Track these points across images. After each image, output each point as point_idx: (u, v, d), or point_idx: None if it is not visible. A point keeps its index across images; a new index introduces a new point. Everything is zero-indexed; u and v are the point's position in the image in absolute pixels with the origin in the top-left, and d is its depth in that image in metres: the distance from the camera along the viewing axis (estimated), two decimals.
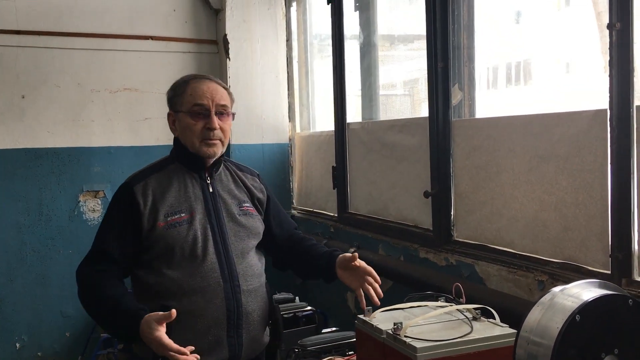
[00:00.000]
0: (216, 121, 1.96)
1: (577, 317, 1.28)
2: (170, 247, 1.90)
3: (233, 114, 2.04)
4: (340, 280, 2.04)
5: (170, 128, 2.05)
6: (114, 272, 1.91)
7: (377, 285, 1.93)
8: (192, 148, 1.98)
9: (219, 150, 2.01)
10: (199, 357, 1.72)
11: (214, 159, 2.03)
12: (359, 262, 1.95)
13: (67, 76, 3.98)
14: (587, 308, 1.29)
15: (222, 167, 2.09)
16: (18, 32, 3.85)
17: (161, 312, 1.73)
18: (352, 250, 3.17)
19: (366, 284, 1.93)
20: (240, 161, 2.49)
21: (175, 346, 1.69)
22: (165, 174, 2.00)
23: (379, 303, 1.90)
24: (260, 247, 2.13)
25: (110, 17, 4.06)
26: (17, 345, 3.93)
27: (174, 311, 1.70)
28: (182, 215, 1.93)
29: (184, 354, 1.68)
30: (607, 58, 2.00)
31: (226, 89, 2.04)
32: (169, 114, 2.04)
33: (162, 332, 1.71)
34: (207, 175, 2.03)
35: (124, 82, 4.12)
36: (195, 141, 1.96)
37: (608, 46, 1.99)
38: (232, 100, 2.05)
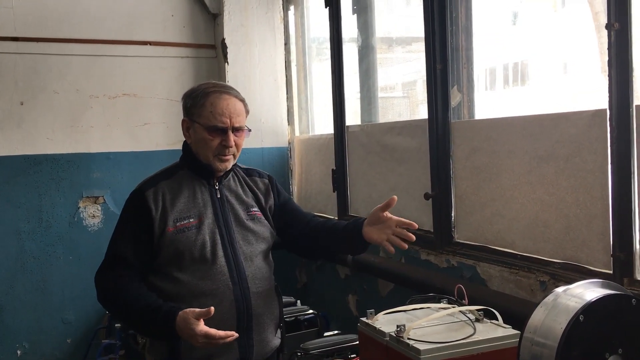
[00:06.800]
0: (232, 139, 1.98)
1: (581, 317, 1.28)
2: (180, 252, 1.94)
3: (249, 130, 2.05)
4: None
5: (184, 134, 2.07)
6: (133, 276, 1.94)
7: (405, 231, 1.92)
8: (205, 160, 2.01)
9: (231, 164, 2.05)
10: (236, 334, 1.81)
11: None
12: (389, 215, 1.95)
13: (66, 82, 3.98)
14: (590, 308, 1.29)
15: (230, 174, 2.11)
16: (16, 39, 3.84)
17: (198, 309, 1.79)
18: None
19: (393, 234, 1.94)
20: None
21: (223, 332, 1.78)
22: (175, 181, 2.03)
23: (406, 247, 1.95)
24: (275, 249, 2.15)
25: (109, 23, 4.06)
26: (19, 352, 3.92)
27: (212, 308, 1.76)
28: (191, 220, 1.97)
29: (231, 335, 1.79)
30: (605, 58, 2.01)
31: (243, 100, 2.05)
32: (183, 121, 2.05)
33: (203, 325, 1.77)
34: (215, 181, 2.06)
35: (122, 88, 4.12)
36: (210, 155, 1.99)
37: (606, 46, 2.00)
38: (247, 112, 2.06)
